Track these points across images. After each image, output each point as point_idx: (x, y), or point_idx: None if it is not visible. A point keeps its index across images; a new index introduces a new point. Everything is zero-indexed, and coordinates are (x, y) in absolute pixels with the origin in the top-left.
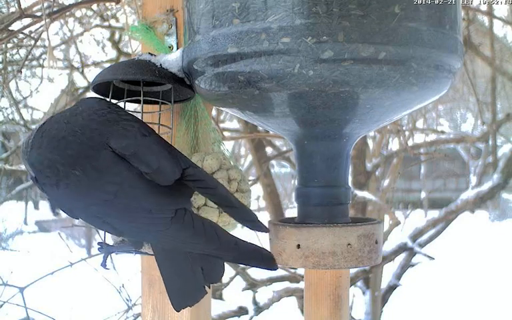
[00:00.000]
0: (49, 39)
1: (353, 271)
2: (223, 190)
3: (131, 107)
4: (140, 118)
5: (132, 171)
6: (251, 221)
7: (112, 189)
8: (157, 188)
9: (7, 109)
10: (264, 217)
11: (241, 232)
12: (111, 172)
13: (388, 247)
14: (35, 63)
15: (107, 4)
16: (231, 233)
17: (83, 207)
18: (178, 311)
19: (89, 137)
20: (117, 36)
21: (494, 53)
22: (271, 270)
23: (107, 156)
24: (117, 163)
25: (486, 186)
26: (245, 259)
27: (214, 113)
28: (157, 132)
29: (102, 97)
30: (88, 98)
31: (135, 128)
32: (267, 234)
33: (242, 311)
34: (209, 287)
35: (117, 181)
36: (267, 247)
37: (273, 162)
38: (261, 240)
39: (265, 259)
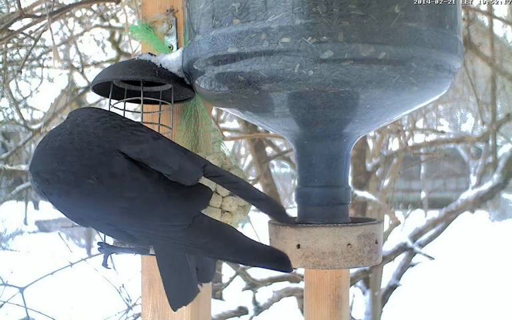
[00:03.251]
0: (53, 38)
1: (353, 270)
2: (245, 183)
3: (130, 106)
4: (140, 118)
5: (149, 176)
6: (279, 212)
7: (130, 196)
8: (175, 192)
9: (6, 109)
10: (264, 217)
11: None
12: (128, 178)
13: (388, 247)
14: (35, 63)
15: (107, 4)
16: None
17: (96, 216)
18: (175, 311)
19: (98, 145)
20: (116, 36)
21: (494, 52)
22: (286, 272)
23: (121, 162)
24: (133, 169)
25: (486, 186)
26: (262, 261)
27: (214, 112)
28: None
29: (97, 107)
30: (83, 108)
31: (144, 132)
32: (267, 234)
33: (242, 311)
34: (201, 286)
35: (135, 187)
36: None
37: (273, 162)
38: (261, 240)
39: (280, 261)
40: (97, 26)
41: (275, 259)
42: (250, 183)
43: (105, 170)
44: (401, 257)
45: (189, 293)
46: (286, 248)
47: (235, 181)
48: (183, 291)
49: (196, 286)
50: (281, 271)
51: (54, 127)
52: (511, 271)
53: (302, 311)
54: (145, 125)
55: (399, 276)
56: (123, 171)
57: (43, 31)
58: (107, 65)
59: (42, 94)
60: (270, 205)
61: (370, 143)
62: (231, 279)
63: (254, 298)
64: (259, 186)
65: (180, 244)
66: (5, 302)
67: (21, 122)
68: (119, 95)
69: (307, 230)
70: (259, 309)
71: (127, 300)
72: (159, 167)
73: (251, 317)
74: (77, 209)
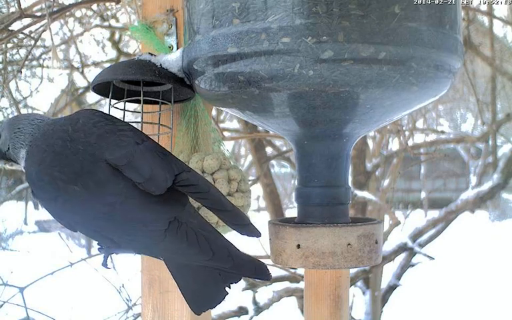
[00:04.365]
0: (52, 38)
1: (353, 270)
2: (215, 193)
3: (130, 107)
4: (140, 118)
5: (128, 181)
6: (242, 225)
7: (111, 201)
8: (151, 198)
9: (6, 109)
10: (264, 217)
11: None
12: (110, 184)
13: (388, 246)
14: (35, 63)
15: (107, 4)
16: (230, 234)
17: (82, 221)
18: (199, 315)
19: (89, 153)
20: (116, 36)
21: (494, 52)
22: (264, 280)
23: (104, 169)
24: (115, 175)
25: (486, 186)
26: (239, 269)
27: (214, 112)
28: (156, 132)
29: (96, 110)
30: (85, 110)
31: (129, 137)
32: (267, 234)
33: (242, 311)
34: (229, 288)
35: (115, 192)
36: (266, 247)
37: (273, 162)
38: (261, 240)
39: (258, 270)
40: (97, 26)
41: (253, 267)
42: (250, 182)
43: (91, 178)
44: (401, 257)
45: (213, 296)
46: (286, 248)
47: (204, 191)
48: (204, 294)
49: (222, 288)
50: (259, 280)
51: (58, 118)
52: (511, 270)
53: (302, 311)
54: (145, 124)
55: (398, 276)
56: (105, 178)
57: (43, 31)
58: (107, 65)
59: (42, 94)
60: (234, 216)
61: (370, 142)
62: None
63: (254, 298)
64: (258, 186)
65: (159, 250)
66: (5, 302)
67: None
68: (119, 94)
69: (307, 230)
70: (258, 309)
71: (127, 300)
72: (132, 174)
73: (251, 317)
74: (65, 214)
